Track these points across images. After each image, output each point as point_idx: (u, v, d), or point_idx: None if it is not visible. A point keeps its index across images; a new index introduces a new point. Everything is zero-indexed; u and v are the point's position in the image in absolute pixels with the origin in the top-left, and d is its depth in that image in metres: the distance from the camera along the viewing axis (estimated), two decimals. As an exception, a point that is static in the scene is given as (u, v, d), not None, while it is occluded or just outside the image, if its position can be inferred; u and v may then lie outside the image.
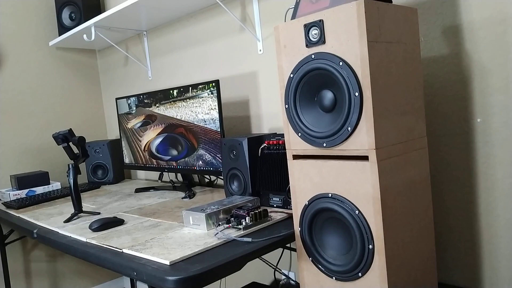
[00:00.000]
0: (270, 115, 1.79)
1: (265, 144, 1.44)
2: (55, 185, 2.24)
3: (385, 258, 0.95)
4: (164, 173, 2.12)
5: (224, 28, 1.93)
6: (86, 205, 1.81)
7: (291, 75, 1.07)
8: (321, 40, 0.99)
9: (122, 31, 2.29)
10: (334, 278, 1.06)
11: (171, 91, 1.90)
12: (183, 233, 1.23)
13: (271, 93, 1.78)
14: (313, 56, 1.01)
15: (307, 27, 1.02)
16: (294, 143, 1.10)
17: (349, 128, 0.96)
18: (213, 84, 1.69)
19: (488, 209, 1.22)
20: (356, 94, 0.94)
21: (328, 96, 1.02)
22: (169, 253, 1.06)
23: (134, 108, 2.14)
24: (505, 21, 1.13)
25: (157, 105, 1.99)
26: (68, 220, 1.54)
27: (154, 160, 2.06)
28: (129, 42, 2.53)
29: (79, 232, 1.37)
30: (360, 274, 0.99)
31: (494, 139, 1.19)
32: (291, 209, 1.16)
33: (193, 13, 2.08)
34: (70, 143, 1.66)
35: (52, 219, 1.61)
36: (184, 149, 1.88)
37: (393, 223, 0.98)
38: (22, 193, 2.11)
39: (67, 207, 1.81)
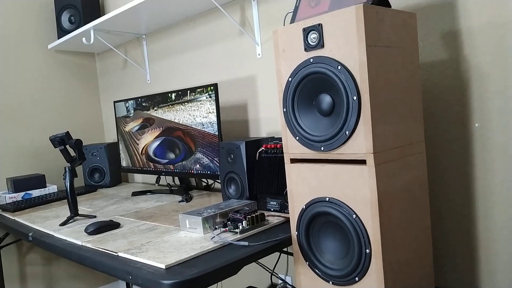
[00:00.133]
0: (268, 119, 1.79)
1: (263, 148, 1.44)
2: (51, 188, 2.22)
3: (382, 263, 0.95)
4: (161, 176, 2.11)
5: (223, 32, 1.93)
6: (82, 208, 1.80)
7: (290, 79, 1.07)
8: (320, 44, 0.99)
9: (121, 34, 2.29)
10: (331, 282, 1.05)
11: (169, 95, 1.90)
12: (180, 236, 1.23)
13: (270, 97, 1.78)
14: (311, 60, 1.01)
15: (306, 31, 1.02)
16: (292, 147, 1.10)
17: (347, 132, 0.96)
18: (212, 87, 1.69)
19: (485, 214, 1.22)
20: (354, 98, 0.94)
21: (326, 100, 1.02)
22: (165, 257, 1.05)
23: (132, 111, 2.14)
24: (504, 26, 1.13)
25: (155, 108, 1.99)
26: (63, 223, 1.53)
27: (151, 164, 2.06)
28: (128, 45, 2.53)
29: (74, 235, 1.36)
30: (357, 278, 0.99)
31: (492, 144, 1.19)
32: (288, 213, 1.15)
33: (193, 17, 2.08)
34: (67, 146, 1.66)
35: (48, 222, 1.60)
36: (182, 152, 1.87)
37: (390, 227, 0.97)
38: (18, 196, 2.10)
39: (63, 210, 1.80)
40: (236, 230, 1.19)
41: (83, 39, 2.21)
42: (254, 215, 1.23)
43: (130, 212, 1.63)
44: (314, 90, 1.04)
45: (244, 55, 1.85)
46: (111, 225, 1.38)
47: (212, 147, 1.72)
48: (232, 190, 1.54)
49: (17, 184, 2.13)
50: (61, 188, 2.33)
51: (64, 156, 1.64)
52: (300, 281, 1.13)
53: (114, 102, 2.25)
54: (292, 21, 1.14)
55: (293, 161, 1.11)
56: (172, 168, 1.94)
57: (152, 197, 1.92)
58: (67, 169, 1.62)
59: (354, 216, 0.98)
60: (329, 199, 1.03)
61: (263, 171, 1.43)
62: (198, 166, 1.80)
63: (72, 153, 1.67)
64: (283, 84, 1.09)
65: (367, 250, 0.96)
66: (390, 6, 1.08)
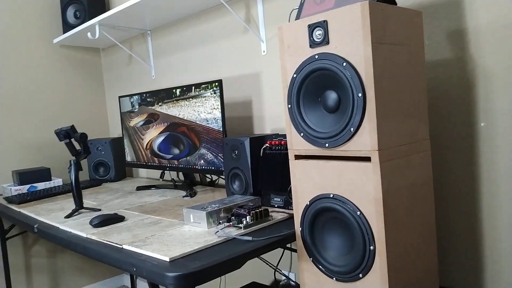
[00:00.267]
0: (273, 116, 1.80)
1: (267, 144, 1.44)
2: (56, 182, 2.24)
3: (386, 260, 0.95)
4: (165, 171, 2.12)
5: (228, 29, 1.94)
6: (87, 202, 1.81)
7: (294, 75, 1.07)
8: (325, 40, 1.00)
9: (126, 30, 2.30)
10: (334, 278, 1.05)
11: (174, 90, 1.90)
12: (184, 230, 1.23)
13: (274, 94, 1.78)
14: (316, 57, 1.02)
15: (311, 28, 1.02)
16: (296, 143, 1.10)
17: (352, 128, 0.96)
18: (216, 83, 1.69)
19: (491, 214, 1.22)
20: (359, 95, 0.94)
21: (331, 96, 1.02)
22: (169, 250, 1.06)
23: (137, 107, 2.15)
24: (511, 25, 1.13)
25: (159, 103, 2.00)
26: (69, 216, 1.54)
27: (155, 159, 2.07)
28: (133, 41, 2.53)
29: (79, 227, 1.37)
30: (360, 275, 0.99)
31: (498, 143, 1.18)
32: (292, 209, 1.16)
33: (198, 14, 2.08)
34: (72, 140, 1.67)
35: (53, 214, 1.61)
36: (186, 148, 1.88)
37: (394, 224, 0.98)
38: (24, 188, 2.12)
39: (68, 203, 1.82)
40: (240, 225, 1.19)
41: (88, 33, 2.22)
42: (258, 210, 1.24)
43: (134, 206, 1.65)
44: (319, 87, 1.04)
45: (249, 52, 1.86)
46: (115, 218, 1.40)
47: (216, 143, 1.73)
48: (236, 186, 1.55)
49: (23, 177, 2.15)
50: (66, 181, 2.34)
51: (69, 150, 1.66)
52: (304, 277, 1.14)
53: (119, 97, 2.26)
54: (297, 18, 1.14)
55: (298, 157, 1.11)
56: (176, 163, 1.95)
57: (156, 192, 1.93)
58: (72, 162, 1.63)
59: (359, 213, 0.98)
60: (333, 196, 1.03)
61: (267, 167, 1.43)
62: (202, 161, 1.80)
63: (77, 146, 1.68)
64: (288, 80, 1.09)
65: (371, 247, 0.96)
66: (396, 4, 1.08)
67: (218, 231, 1.17)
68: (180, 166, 1.93)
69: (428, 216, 1.11)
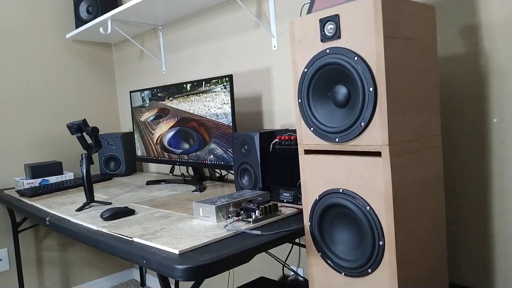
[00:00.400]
0: (283, 111, 1.79)
1: (277, 140, 1.44)
2: (68, 175, 2.27)
3: (395, 255, 0.95)
4: (175, 166, 2.13)
5: (239, 24, 1.94)
6: (98, 195, 1.83)
7: (305, 70, 1.07)
8: (337, 34, 0.99)
9: (138, 25, 2.31)
10: (343, 273, 1.05)
11: (184, 85, 1.91)
12: (193, 224, 1.24)
13: (284, 89, 1.77)
14: (328, 51, 1.01)
15: (323, 22, 1.01)
16: (306, 138, 1.10)
17: (362, 123, 0.96)
18: (227, 78, 1.70)
19: (502, 211, 1.20)
20: (371, 89, 0.94)
21: (341, 91, 1.01)
22: (178, 243, 1.07)
23: (148, 102, 2.16)
24: (525, 20, 1.11)
25: (170, 98, 2.00)
26: (80, 209, 1.56)
27: (166, 153, 2.08)
28: (144, 36, 2.55)
29: (90, 220, 1.39)
30: (369, 270, 0.99)
31: (510, 140, 1.17)
32: (301, 204, 1.16)
33: (209, 9, 2.08)
34: (84, 133, 1.69)
35: (64, 207, 1.63)
36: (196, 143, 1.89)
37: (404, 220, 0.97)
38: (36, 182, 2.15)
39: (79, 196, 1.84)
40: (249, 219, 1.20)
41: (101, 29, 2.24)
42: (267, 205, 1.24)
43: (144, 200, 1.66)
44: (329, 81, 1.03)
45: (259, 47, 1.86)
46: (126, 212, 1.41)
47: (226, 138, 1.73)
48: (246, 180, 1.55)
49: (35, 170, 2.17)
50: (77, 175, 2.37)
51: (80, 143, 1.67)
52: (312, 271, 1.14)
53: (130, 92, 2.27)
54: (309, 12, 1.13)
55: (307, 152, 1.11)
56: (186, 158, 1.95)
57: (166, 186, 1.95)
58: (83, 156, 1.65)
59: (368, 208, 0.98)
60: (343, 191, 1.03)
61: (276, 162, 1.43)
62: (212, 156, 1.81)
63: (89, 140, 1.70)
64: (299, 75, 1.09)
65: (381, 242, 0.96)
66: (409, -2, 1.07)
67: (227, 225, 1.17)
68: (190, 161, 1.94)
69: (438, 212, 1.10)
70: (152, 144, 2.17)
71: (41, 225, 2.44)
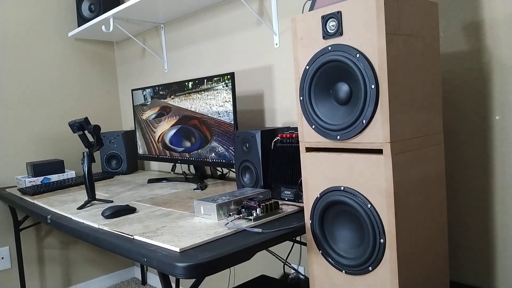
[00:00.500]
0: (284, 109, 1.79)
1: (278, 137, 1.44)
2: (69, 174, 2.27)
3: (396, 253, 0.94)
4: (176, 164, 2.13)
5: (241, 22, 1.93)
6: (99, 194, 1.83)
7: (307, 67, 1.06)
8: (339, 32, 0.99)
9: (140, 23, 2.31)
10: (344, 271, 1.05)
11: (186, 83, 1.91)
12: (194, 222, 1.24)
13: (286, 87, 1.77)
14: (329, 48, 1.01)
15: (325, 19, 1.01)
16: (308, 135, 1.09)
17: (364, 121, 0.95)
18: (228, 76, 1.69)
19: (504, 209, 1.20)
20: (373, 86, 0.93)
21: (343, 88, 1.01)
22: (179, 241, 1.07)
23: (149, 100, 2.16)
24: (528, 17, 1.11)
25: (172, 97, 2.00)
26: (81, 207, 1.56)
27: (167, 152, 2.08)
28: (146, 34, 2.55)
29: (92, 218, 1.39)
30: (370, 268, 0.99)
31: (513, 138, 1.16)
32: (302, 202, 1.15)
33: (211, 7, 2.08)
34: (86, 132, 1.69)
35: (66, 205, 1.63)
36: (197, 141, 1.89)
37: (405, 218, 0.97)
38: (38, 180, 2.15)
39: (81, 195, 1.84)
40: (250, 217, 1.19)
41: (103, 27, 2.24)
42: (268, 203, 1.24)
43: (145, 198, 1.66)
44: (331, 79, 1.03)
45: (261, 44, 1.85)
46: (127, 210, 1.41)
47: (227, 136, 1.73)
48: (247, 178, 1.55)
49: (37, 168, 2.18)
50: (79, 173, 2.37)
51: (82, 141, 1.67)
52: (313, 269, 1.14)
53: (132, 90, 2.27)
54: (311, 9, 1.13)
55: (309, 149, 1.11)
56: (187, 156, 1.95)
57: (167, 185, 1.95)
58: (85, 154, 1.65)
59: (369, 205, 0.97)
60: (344, 188, 1.02)
61: (278, 160, 1.43)
62: (213, 154, 1.81)
63: (91, 138, 1.70)
64: (300, 72, 1.08)
65: (382, 240, 0.96)
66: (411, -5, 1.06)
67: (228, 223, 1.17)
68: (191, 159, 1.94)
69: (439, 209, 1.09)
70: (153, 142, 2.17)
71: (42, 223, 2.45)
